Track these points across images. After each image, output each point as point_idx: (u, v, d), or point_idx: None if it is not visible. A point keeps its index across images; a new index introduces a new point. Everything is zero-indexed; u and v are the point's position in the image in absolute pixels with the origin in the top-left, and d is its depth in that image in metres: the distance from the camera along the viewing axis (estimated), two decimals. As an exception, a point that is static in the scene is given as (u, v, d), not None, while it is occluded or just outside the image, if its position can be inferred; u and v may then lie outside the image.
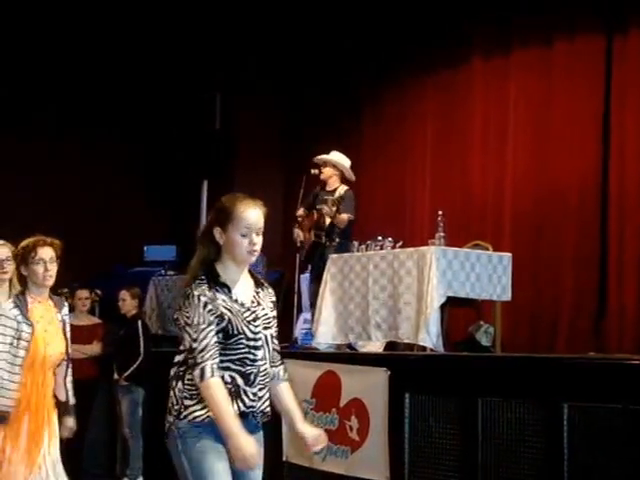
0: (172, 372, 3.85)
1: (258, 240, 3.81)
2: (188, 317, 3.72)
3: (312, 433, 4.01)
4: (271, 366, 3.91)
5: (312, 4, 11.57)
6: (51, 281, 5.29)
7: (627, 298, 9.03)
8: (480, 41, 10.50)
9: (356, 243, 8.60)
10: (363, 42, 11.45)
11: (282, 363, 4.02)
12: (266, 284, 3.98)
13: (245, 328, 3.78)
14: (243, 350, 3.77)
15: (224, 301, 3.76)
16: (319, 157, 9.31)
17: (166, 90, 11.93)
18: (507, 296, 8.23)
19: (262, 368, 3.84)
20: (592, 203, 9.39)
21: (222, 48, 12.03)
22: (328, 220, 8.94)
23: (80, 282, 9.69)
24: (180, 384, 3.77)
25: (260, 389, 3.83)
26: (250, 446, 3.65)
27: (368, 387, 6.88)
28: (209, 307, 3.71)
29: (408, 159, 11.18)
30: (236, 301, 3.79)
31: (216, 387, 3.67)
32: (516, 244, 9.54)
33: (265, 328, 3.87)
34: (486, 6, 10.36)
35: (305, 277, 9.82)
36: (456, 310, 8.70)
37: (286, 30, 11.81)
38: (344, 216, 8.82)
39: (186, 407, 3.74)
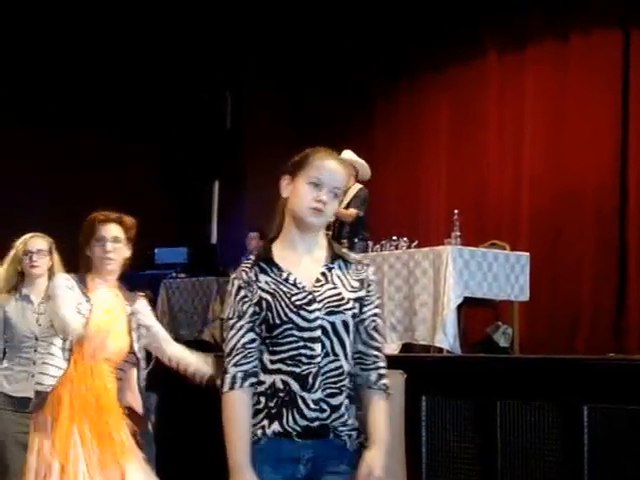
0: None
1: (328, 200, 3.00)
2: (226, 310, 3.06)
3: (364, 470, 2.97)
4: (361, 368, 3.04)
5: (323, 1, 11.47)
6: (113, 265, 4.52)
7: (647, 298, 8.96)
8: (495, 36, 10.45)
9: (370, 243, 8.51)
10: (377, 39, 11.35)
11: (376, 366, 3.06)
12: (355, 257, 3.15)
13: (293, 315, 2.94)
14: (296, 344, 2.94)
15: (267, 283, 2.98)
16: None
17: (177, 90, 11.89)
18: (525, 296, 8.19)
19: (326, 367, 2.96)
20: (610, 200, 9.34)
21: (231, 47, 11.97)
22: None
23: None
24: None
25: (329, 395, 2.96)
26: None
27: (384, 390, 6.79)
28: (242, 293, 2.98)
29: (422, 157, 11.13)
30: (286, 280, 2.99)
31: (235, 402, 2.93)
32: (534, 243, 9.49)
33: (331, 313, 2.97)
34: (501, 2, 10.30)
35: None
36: (473, 311, 8.63)
37: (294, 27, 11.74)
38: (351, 211, 8.62)
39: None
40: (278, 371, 2.94)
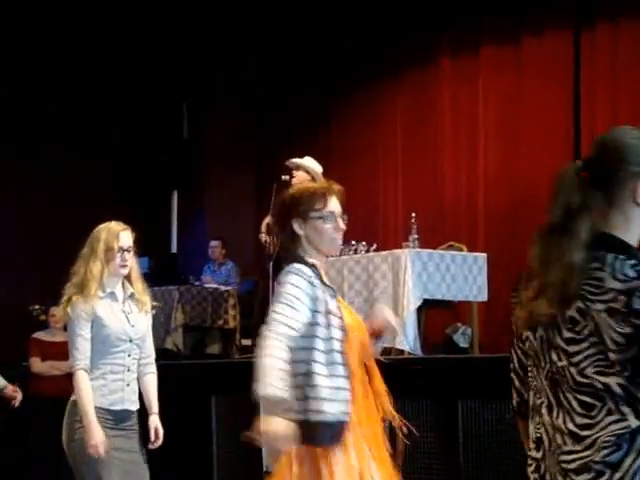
0: None
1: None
2: None
3: None
4: None
5: (281, 10, 11.49)
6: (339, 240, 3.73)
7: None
8: (448, 40, 10.51)
9: (330, 248, 8.50)
10: (330, 44, 11.41)
11: None
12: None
13: None
14: None
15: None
16: (292, 160, 9.24)
17: (133, 102, 11.78)
18: (483, 296, 8.22)
19: None
20: None
21: (189, 56, 11.94)
22: None
23: (54, 299, 9.56)
24: None
25: None
26: None
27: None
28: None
29: (379, 161, 11.18)
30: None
31: None
32: (491, 244, 9.56)
33: None
34: (453, 5, 10.35)
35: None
36: (433, 312, 8.62)
37: (253, 35, 11.75)
38: None
39: None
40: None
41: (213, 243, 10.67)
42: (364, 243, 8.33)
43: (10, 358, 9.09)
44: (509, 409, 5.65)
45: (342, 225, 3.62)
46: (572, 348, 2.40)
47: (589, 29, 9.35)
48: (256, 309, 8.83)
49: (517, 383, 2.76)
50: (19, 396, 6.24)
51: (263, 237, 9.18)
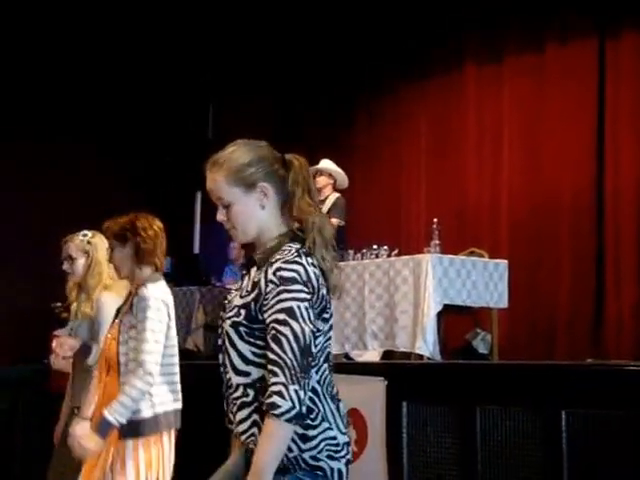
0: None
1: (224, 216, 2.95)
2: None
3: None
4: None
5: (305, 12, 11.49)
6: None
7: (624, 304, 9.02)
8: (472, 47, 10.49)
9: (351, 252, 8.54)
10: (356, 48, 11.40)
11: (270, 382, 2.70)
12: (273, 258, 2.81)
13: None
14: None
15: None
16: (312, 168, 9.23)
17: (160, 103, 11.83)
18: (504, 303, 8.21)
19: (224, 379, 2.89)
20: (588, 210, 9.39)
21: (213, 56, 11.98)
22: None
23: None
24: None
25: (228, 408, 2.90)
26: None
27: (365, 397, 6.81)
28: None
29: (403, 166, 11.14)
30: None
31: None
32: (512, 251, 9.53)
33: (225, 322, 2.87)
34: (478, 12, 10.33)
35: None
36: (453, 318, 8.63)
37: (277, 37, 11.76)
38: (333, 221, 8.68)
39: None
40: None
41: (232, 244, 10.69)
42: (386, 247, 8.34)
43: (32, 355, 9.16)
44: (528, 416, 5.72)
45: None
46: None
47: (614, 35, 9.30)
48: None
49: None
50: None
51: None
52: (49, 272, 10.62)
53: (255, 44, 11.79)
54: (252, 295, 2.78)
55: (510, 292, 8.23)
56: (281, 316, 2.71)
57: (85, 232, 5.25)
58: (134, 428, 4.26)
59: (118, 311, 4.56)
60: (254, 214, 2.89)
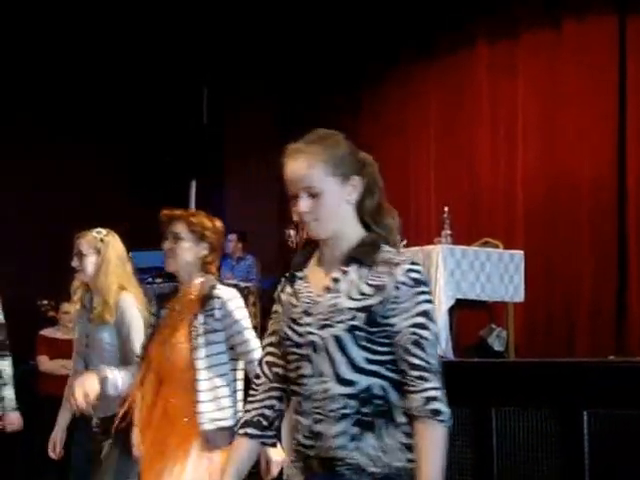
0: None
1: (307, 206, 2.70)
2: None
3: None
4: (405, 391, 2.64)
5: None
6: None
7: (650, 296, 8.99)
8: (484, 24, 10.35)
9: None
10: (361, 29, 11.23)
11: (421, 388, 2.62)
12: (382, 257, 2.69)
13: (287, 329, 2.73)
14: (295, 363, 2.72)
15: (287, 295, 2.77)
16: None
17: (150, 85, 11.77)
18: (520, 297, 8.11)
19: (313, 390, 2.68)
20: (608, 195, 9.26)
21: (209, 41, 11.89)
22: None
23: (64, 294, 9.39)
24: None
25: (317, 421, 2.67)
26: None
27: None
28: (273, 307, 2.85)
29: (411, 152, 11.03)
30: (295, 293, 2.75)
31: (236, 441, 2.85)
32: (529, 241, 9.48)
33: (323, 327, 2.65)
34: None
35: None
36: (466, 313, 8.47)
37: (277, 21, 11.65)
38: None
39: None
40: (292, 391, 2.76)
41: (230, 237, 10.56)
42: (394, 238, 8.08)
43: (16, 356, 8.90)
44: (546, 417, 5.53)
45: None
46: None
47: (636, 10, 9.13)
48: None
49: None
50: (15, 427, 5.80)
51: (288, 232, 8.96)
52: (34, 268, 10.57)
53: (254, 26, 11.71)
54: (376, 297, 2.65)
55: (527, 285, 8.10)
56: (421, 319, 2.65)
57: (99, 229, 5.01)
58: (226, 437, 3.91)
59: (155, 315, 4.29)
60: (341, 207, 2.74)
